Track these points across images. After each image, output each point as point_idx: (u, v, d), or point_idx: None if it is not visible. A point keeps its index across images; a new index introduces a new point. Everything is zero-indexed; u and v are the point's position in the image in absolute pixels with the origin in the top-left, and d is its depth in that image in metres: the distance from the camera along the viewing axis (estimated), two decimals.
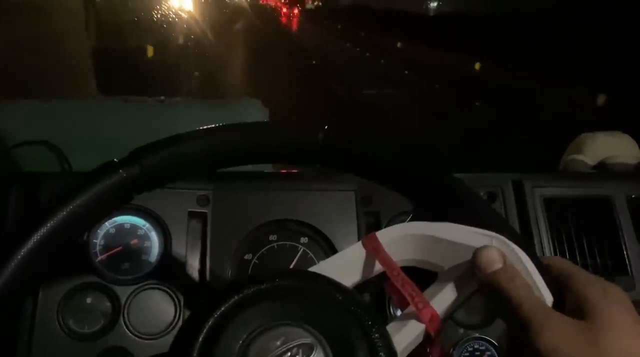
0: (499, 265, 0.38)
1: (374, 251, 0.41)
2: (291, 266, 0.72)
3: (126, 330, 0.62)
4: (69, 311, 0.62)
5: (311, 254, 0.73)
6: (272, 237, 0.73)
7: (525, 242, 0.42)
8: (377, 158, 0.45)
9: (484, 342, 0.66)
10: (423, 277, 0.42)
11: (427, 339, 0.39)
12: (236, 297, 0.36)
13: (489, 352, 0.66)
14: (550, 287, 0.39)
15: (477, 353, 0.66)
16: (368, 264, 0.42)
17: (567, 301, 0.37)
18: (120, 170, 0.38)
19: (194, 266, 0.68)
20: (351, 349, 0.35)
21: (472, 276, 0.39)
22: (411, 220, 0.46)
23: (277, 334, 0.35)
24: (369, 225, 0.74)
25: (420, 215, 0.45)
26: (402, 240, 0.42)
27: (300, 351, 0.34)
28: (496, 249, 0.38)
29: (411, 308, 0.39)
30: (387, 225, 0.73)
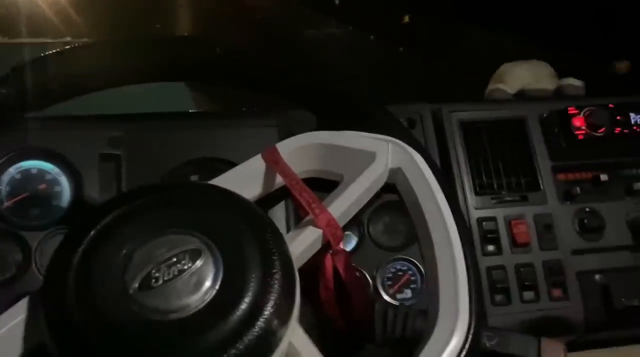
0: None
1: (273, 162, 0.40)
2: None
3: (38, 275, 0.60)
4: None
5: None
6: (194, 178, 0.71)
7: (422, 146, 0.42)
8: (278, 69, 0.43)
9: (405, 263, 0.68)
10: (330, 189, 0.42)
11: (327, 246, 0.40)
12: (122, 208, 0.34)
13: (410, 272, 0.68)
14: (444, 189, 0.39)
15: (400, 273, 0.68)
16: (268, 177, 0.42)
17: None
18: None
19: None
20: (241, 252, 0.34)
21: (369, 180, 0.40)
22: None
23: (161, 242, 0.34)
24: None
25: (323, 127, 0.45)
26: (302, 150, 0.42)
27: (187, 256, 0.34)
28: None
29: (310, 216, 0.39)
30: None
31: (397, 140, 0.40)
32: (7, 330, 0.33)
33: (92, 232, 0.34)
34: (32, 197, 0.63)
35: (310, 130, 0.73)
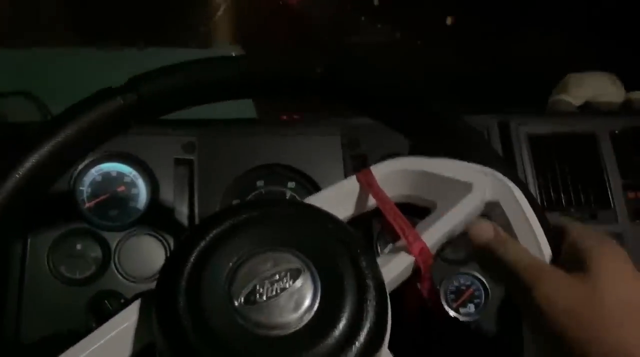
0: (489, 235, 0.38)
1: (368, 185, 0.40)
2: None
3: (117, 274, 0.63)
4: (59, 257, 0.62)
5: (299, 198, 0.73)
6: (260, 183, 0.73)
7: (521, 180, 0.42)
8: (377, 93, 0.44)
9: (469, 277, 0.68)
10: (418, 214, 0.43)
11: (417, 273, 0.40)
12: (228, 222, 0.36)
13: (474, 287, 0.68)
14: (544, 226, 0.39)
15: (463, 288, 0.68)
16: (361, 199, 0.42)
17: (562, 252, 0.37)
18: (118, 97, 0.38)
19: (182, 211, 0.68)
20: (338, 275, 0.35)
21: (464, 212, 0.39)
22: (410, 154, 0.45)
23: (266, 258, 0.35)
24: (356, 168, 0.74)
25: (417, 151, 0.45)
26: (396, 175, 0.42)
27: (288, 274, 0.35)
28: (486, 222, 0.39)
29: (402, 241, 0.39)
30: None
31: (496, 173, 0.40)
32: (120, 331, 0.35)
33: (202, 243, 0.35)
34: (111, 198, 0.66)
35: (376, 141, 0.74)
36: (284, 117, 0.86)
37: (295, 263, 0.35)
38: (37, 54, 0.91)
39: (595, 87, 0.92)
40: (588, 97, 0.91)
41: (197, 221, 0.68)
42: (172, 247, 0.66)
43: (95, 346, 0.34)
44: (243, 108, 0.91)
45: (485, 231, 0.39)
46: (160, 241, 0.66)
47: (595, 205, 0.71)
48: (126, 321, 0.36)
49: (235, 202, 0.71)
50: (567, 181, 0.72)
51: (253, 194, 0.72)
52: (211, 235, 0.36)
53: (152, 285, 0.63)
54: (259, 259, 0.35)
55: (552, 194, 0.71)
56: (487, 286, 0.68)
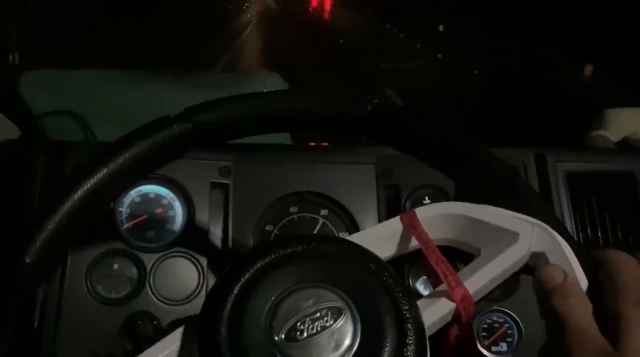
0: (558, 281, 0.37)
1: (411, 227, 0.41)
2: None
3: (152, 296, 0.64)
4: (96, 277, 0.63)
5: (331, 226, 0.74)
6: (293, 209, 0.73)
7: (569, 232, 0.42)
8: (425, 135, 0.44)
9: (502, 315, 0.67)
10: (458, 258, 0.43)
11: (457, 319, 0.40)
12: (272, 255, 0.36)
13: (507, 325, 0.67)
14: (588, 275, 0.38)
15: (496, 325, 0.67)
16: (404, 240, 0.42)
17: (604, 300, 0.37)
18: (174, 125, 0.39)
19: (217, 235, 0.69)
20: (379, 317, 0.35)
21: (509, 261, 0.39)
22: (453, 198, 0.46)
23: (308, 295, 0.35)
24: (389, 198, 0.74)
25: (461, 193, 0.45)
26: (441, 219, 0.42)
27: (329, 313, 0.35)
28: (560, 268, 0.38)
29: (443, 286, 0.39)
30: (408, 198, 0.73)
31: (543, 224, 0.40)
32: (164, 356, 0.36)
33: (247, 275, 0.36)
34: (148, 219, 0.67)
35: (409, 171, 0.75)
36: (314, 144, 0.87)
37: (337, 302, 0.35)
38: (84, 74, 0.95)
39: (634, 123, 0.91)
40: (627, 133, 0.90)
41: (230, 245, 0.69)
42: (205, 272, 0.67)
43: None
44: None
45: (556, 277, 0.38)
46: (194, 264, 0.67)
47: (633, 245, 0.70)
48: (168, 347, 0.36)
49: (268, 227, 0.72)
50: (605, 220, 0.71)
51: (286, 220, 0.73)
52: (256, 267, 0.36)
53: (184, 308, 0.64)
54: (301, 295, 0.36)
55: (589, 232, 0.70)
56: (521, 325, 0.66)
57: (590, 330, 0.36)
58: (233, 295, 0.35)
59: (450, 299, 0.37)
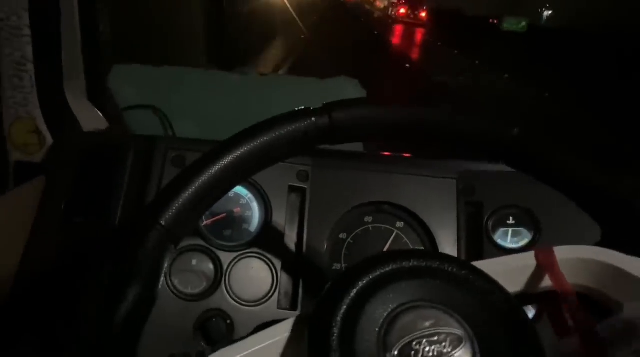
0: None
1: (548, 265, 0.38)
2: (385, 249, 0.71)
3: (227, 294, 0.64)
4: (175, 271, 0.64)
5: (406, 239, 0.71)
6: (368, 219, 0.72)
7: None
8: (574, 172, 0.41)
9: None
10: (592, 309, 0.39)
11: None
12: (394, 265, 0.35)
13: None
14: None
15: None
16: (535, 277, 0.39)
17: None
18: (313, 118, 0.39)
19: (292, 238, 0.69)
20: (500, 355, 0.33)
21: None
22: (599, 244, 0.42)
23: (427, 315, 0.33)
24: (470, 216, 0.71)
25: (609, 239, 0.41)
26: (581, 262, 0.38)
27: (449, 339, 0.33)
28: None
29: (576, 339, 0.36)
30: (490, 218, 0.70)
31: None
32: (271, 344, 0.35)
33: (367, 280, 0.35)
34: (227, 218, 0.68)
35: (493, 190, 0.71)
36: (393, 154, 0.85)
37: (458, 330, 0.33)
38: (167, 71, 0.97)
39: None
40: None
41: (304, 249, 0.68)
42: (279, 274, 0.66)
43: (247, 352, 0.34)
44: None
45: None
46: (269, 266, 0.66)
47: None
48: (279, 335, 0.36)
49: (342, 235, 0.71)
50: None
51: (360, 229, 0.72)
52: (376, 274, 0.35)
53: (257, 310, 0.64)
54: (420, 314, 0.34)
55: None
56: None
57: None
58: (350, 298, 0.34)
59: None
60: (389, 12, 22.65)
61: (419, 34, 16.14)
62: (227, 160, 0.37)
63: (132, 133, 0.87)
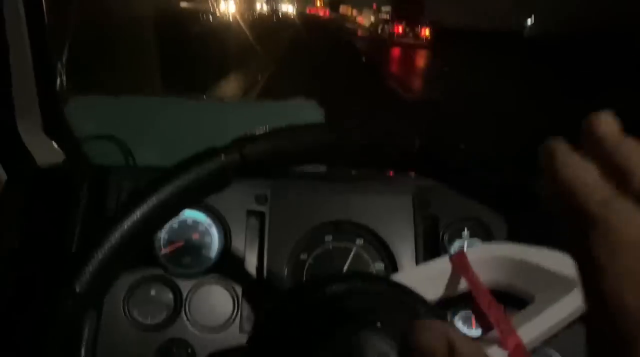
0: None
1: (462, 269, 0.39)
2: (345, 268, 0.72)
3: (187, 323, 0.64)
4: (134, 302, 0.64)
5: (366, 256, 0.72)
6: (328, 238, 0.73)
7: None
8: (477, 173, 0.42)
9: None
10: (508, 302, 0.41)
11: None
12: (314, 294, 0.36)
13: None
14: None
15: None
16: (452, 282, 0.41)
17: None
18: (222, 155, 0.40)
19: (252, 263, 0.69)
20: None
21: (566, 311, 0.37)
22: (494, 233, 0.44)
23: (354, 338, 0.35)
24: (427, 229, 0.73)
25: (504, 227, 0.43)
26: (492, 261, 0.40)
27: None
28: None
29: (494, 333, 0.37)
30: (446, 230, 0.72)
31: None
32: None
33: (291, 312, 0.35)
34: (186, 245, 0.68)
35: (447, 203, 0.73)
36: (351, 173, 0.86)
37: (384, 346, 0.34)
38: (126, 100, 0.97)
39: None
40: None
41: (265, 273, 0.68)
42: (240, 300, 0.66)
43: None
44: None
45: None
46: (230, 291, 0.67)
47: None
48: None
49: (303, 256, 0.71)
50: None
51: (320, 248, 0.72)
52: (293, 309, 0.36)
53: (219, 336, 0.64)
54: (344, 341, 0.35)
55: None
56: None
57: None
58: (277, 334, 0.35)
59: (503, 347, 0.36)
60: (379, 31, 17.52)
61: (422, 60, 13.16)
62: (140, 213, 0.37)
63: (90, 164, 0.87)
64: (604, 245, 0.22)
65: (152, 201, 0.37)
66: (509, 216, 0.44)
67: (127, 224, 0.36)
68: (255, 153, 0.40)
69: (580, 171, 0.24)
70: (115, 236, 0.35)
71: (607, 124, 0.25)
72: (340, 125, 0.42)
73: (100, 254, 0.35)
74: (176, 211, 0.40)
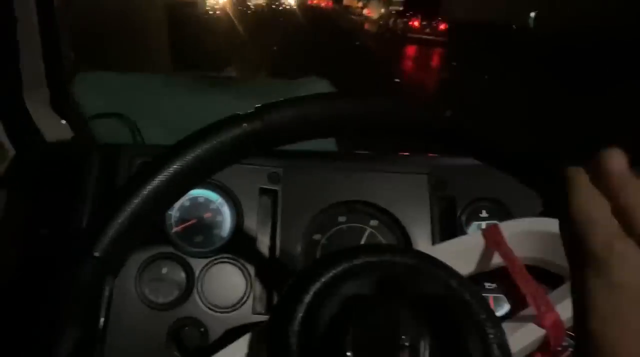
0: None
1: (495, 243, 0.38)
2: None
3: (199, 302, 0.63)
4: (145, 280, 0.63)
5: (380, 237, 0.71)
6: (342, 218, 0.71)
7: None
8: (509, 148, 0.41)
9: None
10: (544, 280, 0.39)
11: (544, 347, 0.37)
12: (344, 265, 0.34)
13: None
14: None
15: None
16: (485, 256, 0.39)
17: None
18: (244, 124, 0.37)
19: (264, 242, 0.68)
20: (462, 340, 0.32)
21: None
22: (515, 214, 0.42)
23: (384, 312, 0.33)
24: (443, 210, 0.71)
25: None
26: (528, 235, 0.39)
27: (407, 332, 0.32)
28: None
29: (530, 310, 0.36)
30: (463, 212, 0.70)
31: None
32: None
33: (317, 285, 0.34)
34: (197, 224, 0.67)
35: (465, 183, 0.71)
36: (365, 152, 0.84)
37: (415, 321, 0.33)
38: (135, 78, 0.95)
39: None
40: None
41: (278, 253, 0.67)
42: (252, 279, 0.65)
43: None
44: (324, 140, 0.91)
45: None
46: (242, 270, 0.65)
47: None
48: (238, 353, 0.35)
49: (316, 236, 0.70)
50: None
51: (334, 229, 0.71)
52: (326, 278, 0.34)
53: (231, 316, 0.63)
54: (377, 312, 0.33)
55: None
56: None
57: None
58: (304, 308, 0.33)
59: (540, 324, 0.34)
60: (389, 25, 15.95)
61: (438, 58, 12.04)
62: (160, 178, 0.35)
63: (98, 142, 0.85)
64: (599, 285, 0.23)
65: (172, 168, 0.35)
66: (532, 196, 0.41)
67: (149, 188, 0.34)
68: (279, 121, 0.38)
69: (592, 207, 0.25)
70: (136, 201, 0.34)
71: (616, 162, 0.25)
72: (369, 93, 0.40)
73: (121, 218, 0.33)
74: (194, 181, 0.38)
